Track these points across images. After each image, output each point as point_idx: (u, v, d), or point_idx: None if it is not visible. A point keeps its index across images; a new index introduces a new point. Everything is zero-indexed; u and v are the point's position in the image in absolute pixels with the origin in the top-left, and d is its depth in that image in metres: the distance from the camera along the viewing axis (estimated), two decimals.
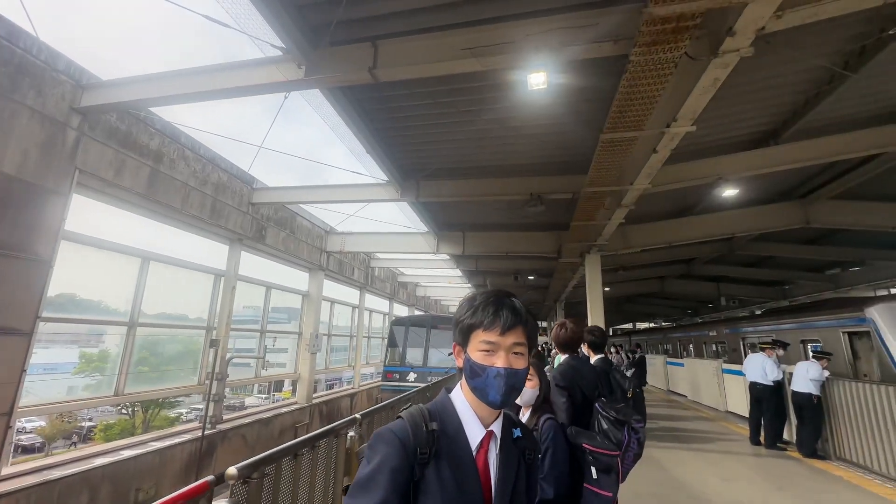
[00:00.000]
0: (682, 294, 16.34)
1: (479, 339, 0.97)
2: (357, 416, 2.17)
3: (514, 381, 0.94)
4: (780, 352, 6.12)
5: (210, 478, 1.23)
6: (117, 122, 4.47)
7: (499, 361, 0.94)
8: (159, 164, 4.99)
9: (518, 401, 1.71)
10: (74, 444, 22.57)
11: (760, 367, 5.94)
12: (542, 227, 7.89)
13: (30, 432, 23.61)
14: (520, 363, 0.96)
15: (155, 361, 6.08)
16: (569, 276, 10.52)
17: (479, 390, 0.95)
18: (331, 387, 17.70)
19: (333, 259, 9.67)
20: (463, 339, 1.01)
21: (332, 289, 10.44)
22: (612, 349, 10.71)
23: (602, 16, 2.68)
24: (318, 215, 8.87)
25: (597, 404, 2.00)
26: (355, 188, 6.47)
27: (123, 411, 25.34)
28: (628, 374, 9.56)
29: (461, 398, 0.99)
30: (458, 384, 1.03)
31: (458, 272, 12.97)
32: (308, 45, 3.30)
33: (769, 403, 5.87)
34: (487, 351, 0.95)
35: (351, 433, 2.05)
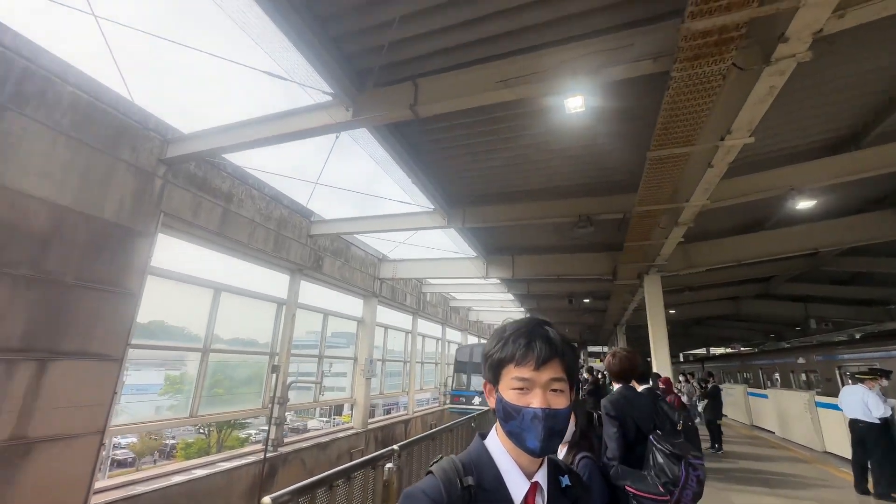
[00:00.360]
0: (762, 316, 14.79)
1: (511, 375, 0.85)
2: (395, 447, 2.17)
3: (554, 424, 0.80)
4: (884, 382, 5.29)
5: (267, 499, 1.31)
6: (195, 169, 5.05)
7: (535, 401, 0.81)
8: (230, 203, 5.53)
9: None
10: (155, 461, 24.45)
11: (861, 402, 5.15)
12: (594, 248, 7.62)
13: (124, 448, 25.95)
14: (560, 402, 0.82)
15: (228, 384, 6.54)
16: (627, 298, 9.97)
17: (515, 435, 0.83)
18: (388, 412, 17.88)
19: (386, 286, 9.96)
20: (493, 376, 0.89)
21: (385, 315, 10.72)
22: (682, 377, 9.85)
23: (638, 35, 2.64)
24: (371, 244, 9.25)
25: (651, 437, 1.86)
26: (404, 217, 6.70)
27: (201, 431, 27.20)
28: (701, 406, 8.71)
29: (498, 445, 0.87)
30: (494, 428, 0.91)
31: (510, 296, 12.77)
32: (354, 89, 3.56)
33: (876, 444, 5.04)
34: (521, 389, 0.83)
35: (389, 465, 2.05)
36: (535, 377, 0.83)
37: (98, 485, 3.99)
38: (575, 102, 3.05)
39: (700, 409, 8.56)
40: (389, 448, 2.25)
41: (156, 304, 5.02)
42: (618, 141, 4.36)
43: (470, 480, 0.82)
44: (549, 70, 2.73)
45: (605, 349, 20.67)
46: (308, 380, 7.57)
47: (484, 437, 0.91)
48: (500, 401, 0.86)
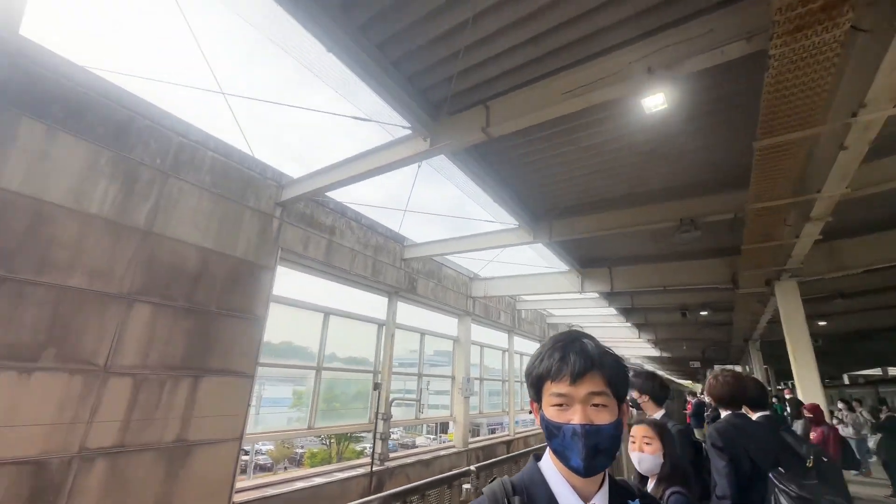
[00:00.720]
0: None
1: (550, 391, 0.84)
2: (472, 468, 2.16)
3: (597, 441, 0.77)
4: None
5: None
6: (304, 208, 5.77)
7: (575, 417, 0.79)
8: (333, 235, 6.18)
9: (639, 468, 1.49)
10: (286, 467, 27.33)
11: None
12: (704, 254, 6.77)
13: (264, 454, 29.57)
14: (602, 417, 0.79)
15: (344, 399, 7.18)
16: (757, 308, 8.58)
17: (559, 454, 0.82)
18: (493, 431, 17.67)
19: (479, 304, 10.05)
20: (535, 394, 0.89)
21: (480, 333, 10.77)
22: (841, 404, 8.02)
23: (719, 19, 2.37)
24: (463, 264, 9.47)
25: (772, 475, 1.59)
26: (490, 236, 6.77)
27: (323, 442, 29.87)
28: (872, 441, 6.93)
29: (550, 466, 0.86)
30: (547, 448, 0.89)
31: (613, 310, 11.89)
32: (430, 119, 3.79)
33: None
34: (560, 405, 0.82)
35: (466, 485, 2.05)
36: (573, 392, 0.81)
37: (239, 484, 4.66)
38: (655, 101, 2.83)
39: (871, 445, 6.86)
40: (466, 468, 2.26)
41: (279, 327, 5.80)
42: (715, 134, 3.90)
43: (516, 501, 0.82)
44: (618, 73, 2.59)
45: (737, 368, 17.86)
46: (409, 397, 7.91)
47: (539, 458, 0.90)
48: (542, 418, 0.85)
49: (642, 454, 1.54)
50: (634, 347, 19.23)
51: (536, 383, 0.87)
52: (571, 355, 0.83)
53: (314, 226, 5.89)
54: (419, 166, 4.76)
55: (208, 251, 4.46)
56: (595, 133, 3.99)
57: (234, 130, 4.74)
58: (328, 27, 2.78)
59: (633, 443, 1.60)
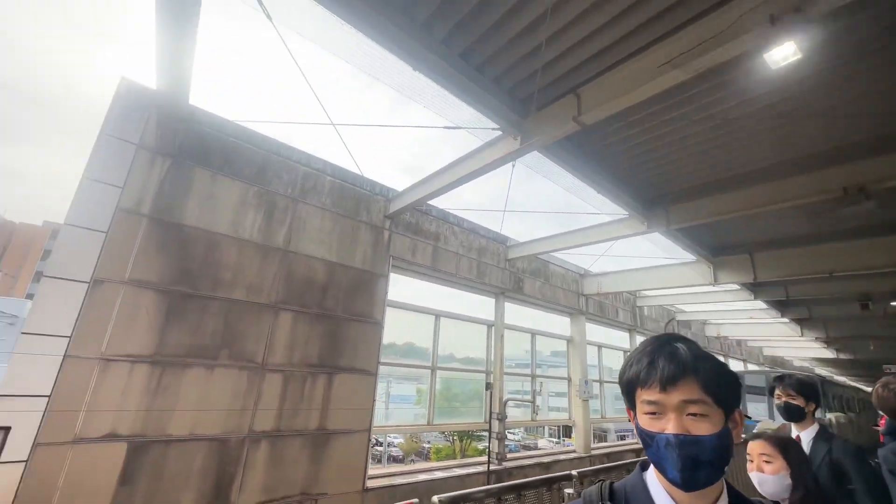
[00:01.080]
0: None
1: (641, 398, 0.80)
2: (574, 472, 2.04)
3: (695, 452, 0.71)
4: None
5: (415, 500, 1.52)
6: (410, 218, 6.19)
7: (669, 426, 0.74)
8: (438, 241, 6.50)
9: (761, 490, 1.27)
10: (413, 460, 29.15)
11: None
12: (884, 229, 5.33)
13: (395, 446, 32.07)
14: (701, 428, 0.73)
15: (463, 398, 7.48)
16: None
17: (656, 464, 0.78)
18: (623, 438, 16.46)
19: (593, 302, 9.49)
20: (629, 400, 0.85)
21: (597, 332, 10.14)
22: None
23: None
24: (570, 260, 9.06)
25: None
26: (597, 229, 6.37)
27: (448, 439, 31.21)
28: None
29: (653, 476, 0.82)
30: None
31: (761, 304, 10.10)
32: (519, 118, 3.76)
33: None
34: (653, 413, 0.77)
35: (569, 490, 1.95)
36: (664, 399, 0.76)
37: (371, 471, 5.18)
38: (783, 52, 2.36)
39: None
40: (568, 472, 2.16)
41: (400, 330, 6.31)
42: (879, 77, 3.07)
43: (605, 498, 0.81)
44: (727, 31, 2.23)
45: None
46: (521, 398, 7.84)
47: (646, 467, 0.87)
48: (636, 426, 0.82)
49: (762, 475, 1.31)
50: (797, 348, 16.01)
51: (628, 390, 0.85)
52: (660, 360, 0.78)
53: (420, 233, 6.26)
54: (513, 166, 4.73)
55: (332, 263, 5.09)
56: (710, 103, 3.49)
57: (345, 155, 5.36)
58: (412, 48, 2.97)
59: (751, 461, 1.37)
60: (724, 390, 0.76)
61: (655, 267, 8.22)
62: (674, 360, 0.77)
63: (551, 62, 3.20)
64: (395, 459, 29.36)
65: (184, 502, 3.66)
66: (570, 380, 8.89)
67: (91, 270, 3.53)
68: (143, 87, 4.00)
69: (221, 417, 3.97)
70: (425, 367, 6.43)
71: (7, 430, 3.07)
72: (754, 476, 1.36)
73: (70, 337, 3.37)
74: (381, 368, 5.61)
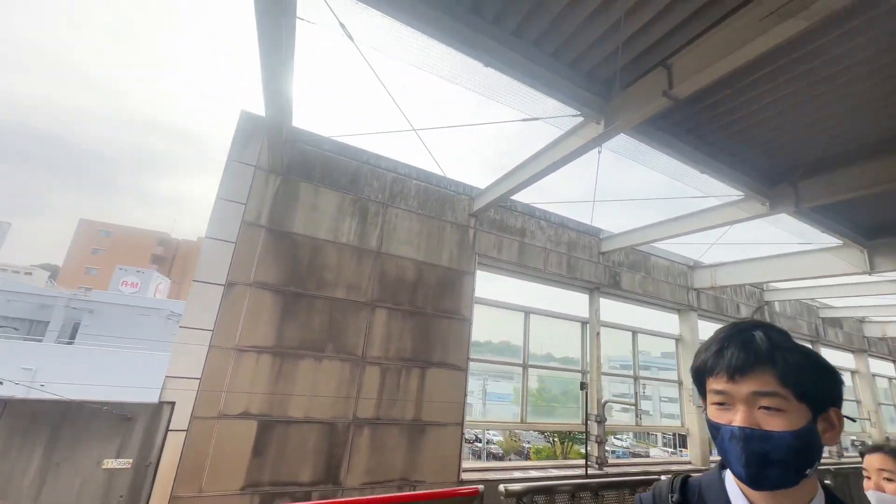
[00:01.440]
0: None
1: (710, 388, 0.77)
2: (662, 477, 1.82)
3: (762, 448, 0.66)
4: None
5: (481, 486, 1.52)
6: (494, 215, 6.20)
7: (736, 418, 0.69)
8: (524, 237, 6.39)
9: None
10: (511, 458, 28.83)
11: None
12: None
13: (496, 444, 32.19)
14: (774, 423, 0.66)
15: (562, 399, 7.28)
16: None
17: (724, 458, 0.74)
18: None
19: (706, 297, 8.45)
20: (700, 389, 0.82)
21: (713, 331, 8.98)
22: None
23: None
24: (676, 251, 8.19)
25: None
26: (705, 214, 5.67)
27: (548, 440, 30.37)
28: None
29: (731, 475, 0.78)
30: None
31: None
32: (601, 100, 3.53)
33: None
34: (721, 404, 0.73)
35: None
36: (733, 390, 0.71)
37: (466, 464, 5.31)
38: None
39: None
40: (656, 475, 1.96)
41: (487, 327, 6.37)
42: None
43: (675, 497, 0.80)
44: None
45: None
46: (623, 401, 7.31)
47: (725, 466, 0.82)
48: (706, 417, 0.79)
49: (881, 494, 1.06)
50: None
51: (698, 378, 0.81)
52: (731, 348, 0.74)
53: (505, 230, 6.23)
54: (599, 152, 4.46)
55: (421, 263, 5.33)
56: (844, 54, 2.87)
57: (430, 159, 5.56)
58: (483, 44, 2.99)
59: (868, 478, 1.12)
60: (810, 385, 0.68)
61: (786, 255, 7.02)
62: (746, 348, 0.71)
63: (633, 36, 2.95)
64: (494, 457, 29.45)
65: (302, 475, 4.17)
66: (680, 383, 8.03)
67: (225, 275, 4.22)
68: (258, 116, 4.66)
69: (329, 404, 4.43)
70: (516, 365, 6.38)
71: (173, 404, 3.82)
72: (872, 495, 1.11)
73: (213, 330, 4.07)
74: (476, 365, 5.73)
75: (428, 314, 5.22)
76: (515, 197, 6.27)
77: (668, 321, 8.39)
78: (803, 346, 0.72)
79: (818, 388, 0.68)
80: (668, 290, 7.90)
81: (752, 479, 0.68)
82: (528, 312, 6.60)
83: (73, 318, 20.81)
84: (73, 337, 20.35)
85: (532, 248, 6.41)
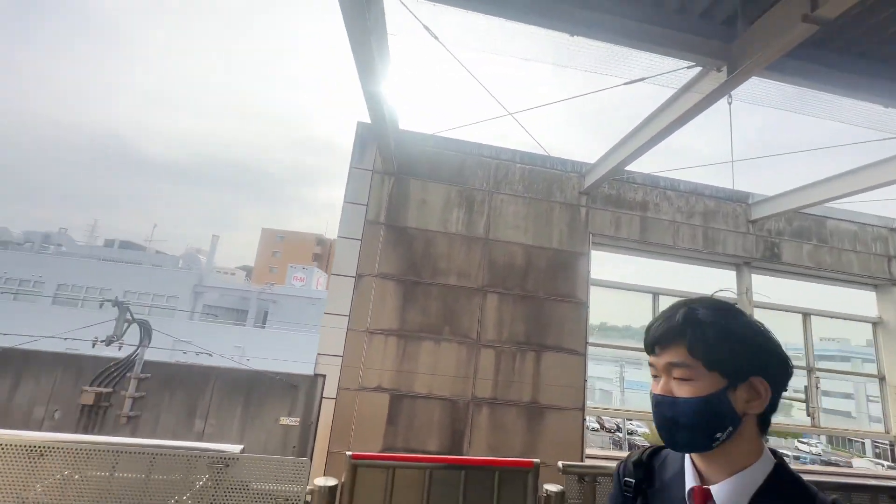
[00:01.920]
0: None
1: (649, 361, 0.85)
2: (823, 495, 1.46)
3: (670, 414, 0.73)
4: None
5: (536, 460, 1.49)
6: (609, 190, 5.76)
7: (657, 387, 0.77)
8: (646, 211, 5.79)
9: None
10: None
11: None
12: None
13: (640, 435, 29.87)
14: (683, 391, 0.73)
15: None
16: None
17: None
18: None
19: None
20: None
21: None
22: None
23: None
24: (866, 210, 6.39)
25: None
26: None
27: None
28: None
29: None
30: None
31: None
32: (720, 43, 3.00)
33: None
34: (655, 376, 0.81)
35: None
36: (656, 362, 0.79)
37: (591, 451, 5.15)
38: None
39: None
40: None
41: (609, 309, 6.01)
42: None
43: (645, 457, 0.88)
44: None
45: None
46: (794, 396, 6.09)
47: None
48: None
49: None
50: None
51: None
52: (656, 323, 0.81)
53: (622, 205, 5.74)
54: (730, 103, 3.78)
55: (529, 247, 5.30)
56: None
57: (533, 141, 5.37)
58: (568, 13, 2.83)
59: None
60: (722, 356, 0.72)
61: None
62: (668, 322, 0.78)
63: None
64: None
65: (430, 445, 4.62)
66: (882, 379, 6.32)
67: (355, 268, 4.88)
68: (370, 125, 5.21)
69: (449, 382, 4.78)
70: (639, 350, 5.85)
71: (324, 376, 4.62)
72: None
73: (349, 316, 4.76)
74: (610, 351, 5.50)
75: (540, 298, 5.17)
76: (634, 167, 5.72)
77: (858, 301, 6.62)
78: (729, 321, 0.74)
79: (732, 358, 0.72)
80: (857, 261, 6.25)
81: (667, 441, 0.76)
82: (657, 294, 5.99)
83: (263, 308, 26.25)
84: (264, 322, 25.68)
85: (657, 222, 5.77)
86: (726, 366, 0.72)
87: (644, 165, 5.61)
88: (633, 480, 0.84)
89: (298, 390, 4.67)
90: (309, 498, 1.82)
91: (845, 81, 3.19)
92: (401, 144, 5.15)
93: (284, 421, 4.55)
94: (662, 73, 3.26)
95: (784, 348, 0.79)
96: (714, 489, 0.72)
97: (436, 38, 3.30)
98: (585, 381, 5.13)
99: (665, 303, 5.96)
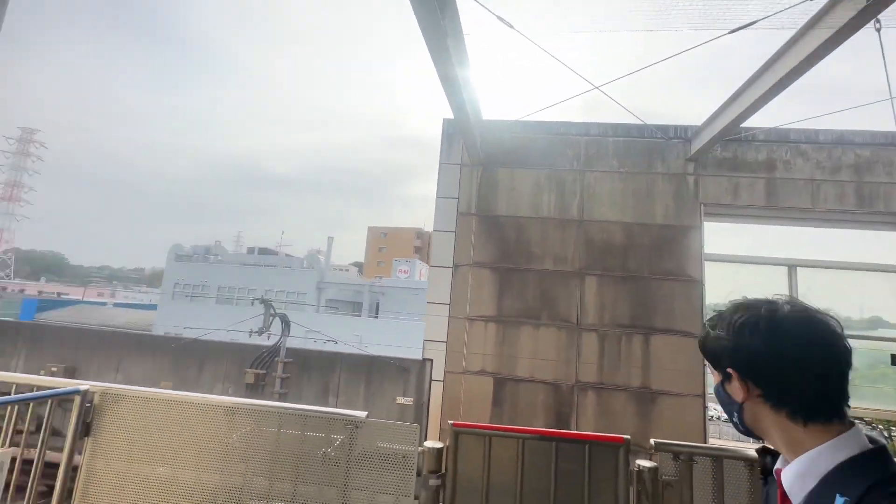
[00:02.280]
0: None
1: None
2: None
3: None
4: None
5: (627, 436, 1.45)
6: (723, 153, 5.11)
7: None
8: (773, 171, 5.02)
9: None
10: None
11: None
12: None
13: None
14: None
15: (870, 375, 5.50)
16: None
17: None
18: None
19: None
20: None
21: None
22: None
23: None
24: None
25: None
26: None
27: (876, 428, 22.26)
28: None
29: None
30: None
31: None
32: None
33: None
34: None
35: None
36: None
37: (713, 442, 4.73)
38: None
39: None
40: None
41: (730, 287, 5.37)
42: None
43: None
44: None
45: None
46: None
47: None
48: None
49: None
50: None
51: None
52: None
53: (741, 168, 5.05)
54: (878, 27, 3.09)
55: (629, 224, 4.99)
56: None
57: (630, 110, 4.95)
58: None
59: None
60: (707, 353, 0.90)
61: None
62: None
63: None
64: None
65: (536, 424, 4.72)
66: None
67: (451, 259, 5.15)
68: (455, 120, 5.38)
69: (551, 367, 4.80)
70: None
71: (431, 361, 5.00)
72: None
73: (449, 304, 5.06)
74: None
75: (645, 278, 4.86)
76: (753, 122, 4.97)
77: None
78: (720, 321, 0.87)
79: (712, 354, 0.88)
80: None
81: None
82: (793, 266, 5.16)
83: (374, 300, 28.74)
84: (376, 313, 28.12)
85: (789, 182, 4.95)
86: (710, 360, 0.90)
87: (767, 118, 4.82)
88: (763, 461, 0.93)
89: (410, 373, 5.13)
90: (421, 456, 2.14)
91: None
92: (485, 134, 5.24)
93: (401, 400, 5.05)
94: (779, 12, 2.81)
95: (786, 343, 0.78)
96: (783, 468, 0.77)
97: (511, 26, 3.30)
98: (705, 365, 4.70)
99: (804, 276, 5.13)
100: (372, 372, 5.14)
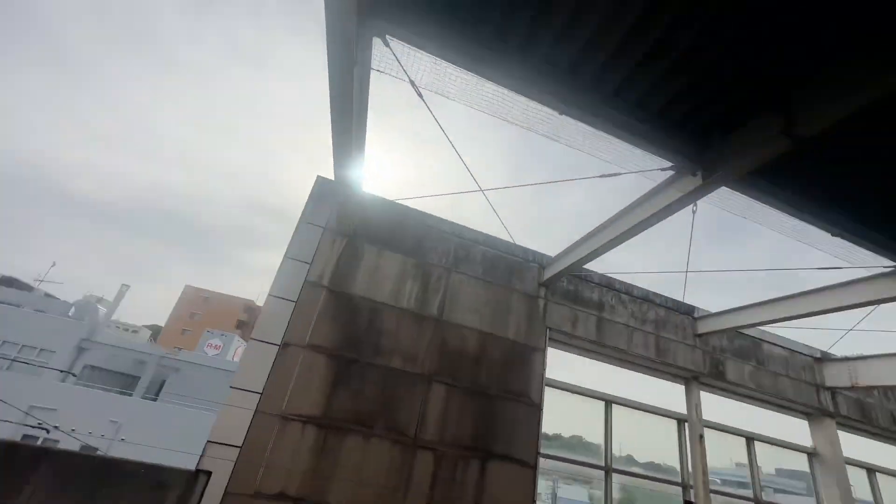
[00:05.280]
0: None
1: None
2: None
3: None
4: None
5: None
6: (568, 285, 5.62)
7: None
8: (602, 311, 5.66)
9: None
10: None
11: None
12: None
13: None
14: None
15: None
16: None
17: None
18: None
19: (846, 400, 6.68)
20: None
21: (863, 446, 6.95)
22: None
23: None
24: (798, 338, 6.75)
25: None
26: (838, 291, 4.59)
27: None
28: None
29: None
30: None
31: None
32: (698, 148, 3.09)
33: None
34: None
35: None
36: None
37: None
38: None
39: None
40: None
41: (561, 417, 5.45)
42: None
43: None
44: None
45: None
46: None
47: None
48: None
49: None
50: None
51: None
52: None
53: (580, 302, 5.58)
54: (694, 211, 3.88)
55: (485, 334, 4.83)
56: None
57: (499, 225, 5.36)
58: (557, 92, 2.79)
59: None
60: None
61: None
62: None
63: (742, 74, 2.57)
64: None
65: None
66: None
67: (282, 335, 4.08)
68: (332, 181, 4.84)
69: (372, 497, 3.81)
70: (597, 468, 5.26)
71: (209, 474, 3.50)
72: None
73: (261, 393, 3.83)
74: (544, 462, 4.79)
75: (491, 395, 4.57)
76: (591, 266, 5.69)
77: (798, 429, 6.66)
78: None
79: None
80: (791, 387, 6.39)
81: None
82: (609, 402, 5.60)
83: (160, 377, 22.43)
84: (157, 393, 21.74)
85: (612, 324, 5.62)
86: None
87: (597, 264, 5.60)
88: None
89: (168, 492, 3.47)
90: None
91: (804, 208, 3.36)
92: (363, 206, 4.78)
93: None
94: (644, 171, 3.26)
95: None
96: None
97: (430, 109, 3.13)
98: (535, 501, 4.36)
99: (617, 413, 5.57)
100: (100, 487, 3.34)
